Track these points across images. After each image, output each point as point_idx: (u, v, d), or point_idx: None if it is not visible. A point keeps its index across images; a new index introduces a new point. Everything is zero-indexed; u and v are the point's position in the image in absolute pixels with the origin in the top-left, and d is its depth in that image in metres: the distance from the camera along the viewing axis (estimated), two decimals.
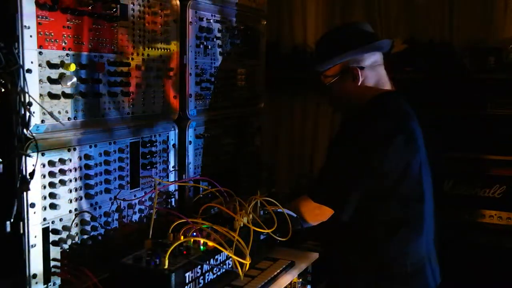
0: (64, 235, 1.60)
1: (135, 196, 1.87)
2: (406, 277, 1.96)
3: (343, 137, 1.98)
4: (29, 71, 1.44)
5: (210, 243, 1.65)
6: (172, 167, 2.07)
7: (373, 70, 2.01)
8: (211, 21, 2.21)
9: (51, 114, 1.50)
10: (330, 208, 1.92)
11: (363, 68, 1.98)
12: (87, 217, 1.68)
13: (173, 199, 2.07)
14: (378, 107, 1.96)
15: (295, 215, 1.97)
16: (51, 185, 1.55)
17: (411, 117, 1.99)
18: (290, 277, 1.95)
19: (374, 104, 1.97)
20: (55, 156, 1.57)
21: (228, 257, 1.71)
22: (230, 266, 1.73)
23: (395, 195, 1.91)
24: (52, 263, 1.56)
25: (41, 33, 1.47)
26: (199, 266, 1.60)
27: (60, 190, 1.58)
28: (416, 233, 1.96)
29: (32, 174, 1.45)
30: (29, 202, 1.47)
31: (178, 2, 2.01)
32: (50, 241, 1.56)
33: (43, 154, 1.52)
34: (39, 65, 1.48)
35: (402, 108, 2.00)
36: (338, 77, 2.01)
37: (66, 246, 1.61)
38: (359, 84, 1.98)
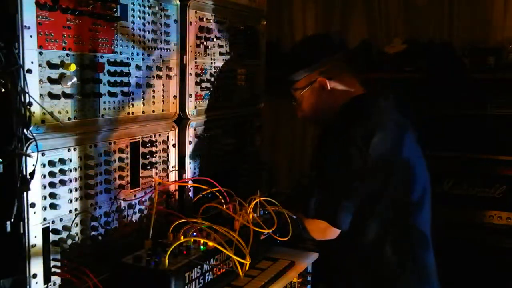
0: (64, 235, 1.60)
1: (135, 196, 1.87)
2: (406, 282, 1.96)
3: (324, 151, 2.00)
4: (29, 71, 1.44)
5: (210, 243, 1.65)
6: (172, 167, 2.07)
7: (341, 78, 2.05)
8: (211, 21, 2.21)
9: (51, 114, 1.50)
10: (325, 221, 1.92)
11: (330, 78, 2.03)
12: (87, 217, 1.68)
13: (173, 199, 2.07)
14: (350, 113, 1.99)
15: (294, 217, 1.98)
16: (51, 185, 1.55)
17: (388, 114, 1.99)
18: (290, 277, 1.95)
19: (346, 111, 2.00)
20: (55, 156, 1.57)
21: (228, 257, 1.71)
22: (230, 266, 1.73)
23: (384, 197, 1.92)
24: (52, 263, 1.56)
25: (41, 33, 1.47)
26: (199, 266, 1.60)
27: (60, 190, 1.58)
28: (411, 237, 1.97)
29: (32, 174, 1.45)
30: (29, 202, 1.47)
31: (178, 2, 2.01)
32: (50, 241, 1.56)
33: (43, 154, 1.52)
34: (39, 65, 1.48)
35: (376, 108, 2.01)
36: (307, 89, 2.06)
37: (66, 246, 1.61)
38: (328, 94, 2.03)
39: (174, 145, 2.07)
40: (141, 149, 1.90)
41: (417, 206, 1.98)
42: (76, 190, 1.64)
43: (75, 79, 1.56)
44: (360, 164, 1.86)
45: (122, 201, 1.81)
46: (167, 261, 1.51)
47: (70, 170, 1.61)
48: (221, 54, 2.30)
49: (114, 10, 1.70)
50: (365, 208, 1.91)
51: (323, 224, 1.92)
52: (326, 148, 1.99)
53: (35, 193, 1.49)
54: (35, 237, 1.50)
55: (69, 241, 1.62)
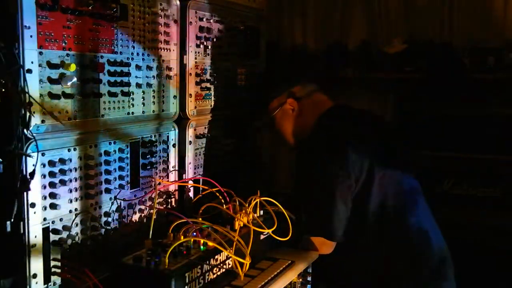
0: (64, 235, 1.60)
1: (135, 196, 1.87)
2: (404, 277, 1.96)
3: (301, 167, 2.07)
4: (29, 71, 1.44)
5: (210, 243, 1.65)
6: (172, 167, 2.07)
7: (310, 97, 2.12)
8: (211, 21, 2.21)
9: (51, 114, 1.50)
10: (322, 237, 1.97)
11: (299, 99, 2.10)
12: (87, 217, 1.68)
13: (173, 199, 2.07)
14: (321, 128, 2.03)
15: (294, 217, 1.98)
16: (51, 185, 1.55)
17: (357, 124, 2.05)
18: (290, 277, 1.95)
19: (318, 127, 2.04)
20: (55, 156, 1.57)
21: (228, 257, 1.71)
22: (230, 266, 1.73)
23: (369, 198, 1.92)
24: (52, 263, 1.57)
25: (41, 33, 1.47)
26: (199, 266, 1.60)
27: (60, 190, 1.58)
28: (406, 233, 1.97)
29: (32, 174, 1.45)
30: (29, 202, 1.47)
31: (178, 2, 2.01)
32: (50, 241, 1.56)
33: (43, 154, 1.52)
34: (39, 65, 1.48)
35: (345, 119, 2.08)
36: (278, 111, 2.14)
37: (66, 246, 1.61)
38: (298, 114, 2.12)
39: (174, 145, 2.07)
40: (141, 149, 1.90)
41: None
42: (76, 190, 1.64)
43: (75, 79, 1.56)
44: (340, 173, 1.89)
45: (122, 201, 1.81)
46: (167, 261, 1.51)
47: (70, 170, 1.61)
48: (221, 54, 2.30)
49: (114, 10, 1.70)
50: (359, 213, 1.93)
51: (319, 239, 1.98)
52: (303, 163, 2.03)
53: (35, 193, 1.50)
54: (35, 237, 1.50)
55: (69, 241, 1.62)
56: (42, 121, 1.50)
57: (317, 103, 2.12)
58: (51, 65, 1.51)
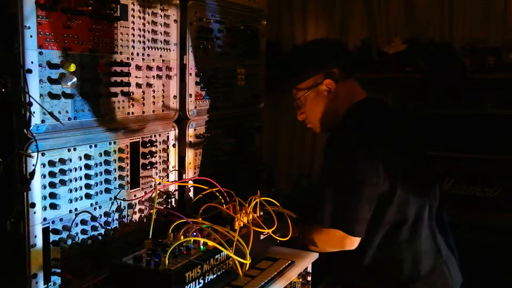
0: (64, 235, 1.60)
1: (135, 196, 1.87)
2: (409, 279, 1.95)
3: (331, 158, 1.97)
4: (29, 71, 1.44)
5: (210, 243, 1.65)
6: (172, 167, 2.07)
7: (346, 82, 2.01)
8: (211, 21, 2.21)
9: (51, 114, 1.50)
10: (340, 230, 1.88)
11: (337, 81, 1.98)
12: (87, 217, 1.68)
13: (173, 199, 2.07)
14: (355, 119, 1.96)
15: (295, 216, 1.97)
16: (51, 185, 1.55)
17: (388, 120, 2.00)
18: (290, 277, 1.95)
19: (351, 116, 1.97)
20: (55, 156, 1.57)
21: (228, 257, 1.72)
22: (230, 266, 1.73)
23: (391, 199, 1.90)
24: (52, 263, 1.57)
25: (41, 33, 1.47)
26: (199, 266, 1.60)
27: (60, 190, 1.58)
28: (417, 236, 1.95)
29: (32, 174, 1.45)
30: (29, 202, 1.47)
31: (178, 2, 2.01)
32: (50, 241, 1.56)
33: (43, 154, 1.52)
34: (39, 65, 1.48)
35: (378, 113, 2.02)
36: (312, 90, 2.00)
37: (66, 246, 1.61)
38: (332, 97, 1.99)
39: (174, 145, 2.07)
40: (141, 149, 1.90)
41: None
42: (76, 190, 1.64)
43: (75, 79, 1.56)
44: (370, 169, 1.83)
45: (122, 201, 1.81)
46: (167, 261, 1.51)
47: (70, 170, 1.61)
48: (221, 54, 2.30)
49: (114, 10, 1.70)
50: (377, 214, 1.89)
51: (339, 233, 1.87)
52: (334, 154, 1.95)
53: (35, 193, 1.50)
54: (35, 237, 1.50)
55: (69, 241, 1.62)
56: (42, 121, 1.50)
57: (351, 90, 2.01)
58: (51, 65, 1.51)
